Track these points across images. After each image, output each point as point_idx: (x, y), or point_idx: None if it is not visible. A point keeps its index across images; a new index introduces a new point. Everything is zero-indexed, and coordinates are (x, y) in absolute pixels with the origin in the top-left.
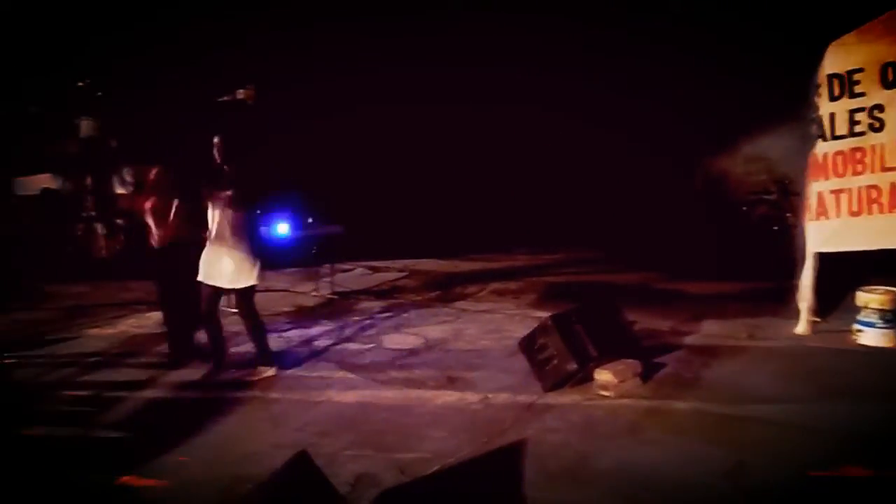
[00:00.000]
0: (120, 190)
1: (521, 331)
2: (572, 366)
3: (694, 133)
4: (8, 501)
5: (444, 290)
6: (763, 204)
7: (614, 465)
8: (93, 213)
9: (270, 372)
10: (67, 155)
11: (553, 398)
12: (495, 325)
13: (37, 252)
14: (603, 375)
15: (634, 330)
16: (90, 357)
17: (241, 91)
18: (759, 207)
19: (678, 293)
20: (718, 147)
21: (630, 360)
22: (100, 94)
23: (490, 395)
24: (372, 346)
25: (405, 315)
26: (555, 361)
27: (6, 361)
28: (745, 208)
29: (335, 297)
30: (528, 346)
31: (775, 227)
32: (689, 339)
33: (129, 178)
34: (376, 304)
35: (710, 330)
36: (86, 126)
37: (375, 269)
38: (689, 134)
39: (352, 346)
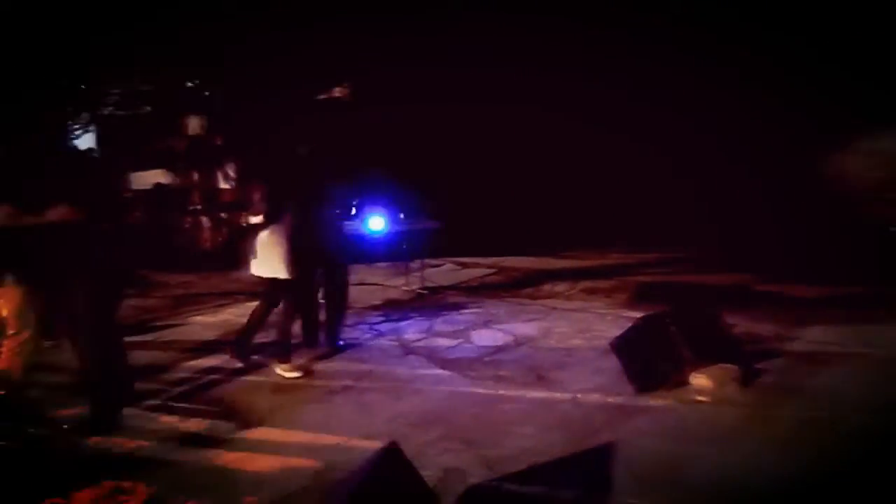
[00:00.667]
0: (223, 185)
1: (613, 331)
2: (666, 368)
3: (803, 127)
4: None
5: (534, 288)
6: (880, 202)
7: (708, 472)
8: (199, 207)
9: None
10: (176, 151)
11: (646, 401)
12: (586, 324)
13: (148, 242)
14: (699, 379)
15: (733, 333)
16: (195, 343)
17: (338, 89)
18: (874, 206)
19: (782, 296)
20: (829, 142)
21: (728, 365)
22: (207, 93)
23: (580, 395)
24: (460, 341)
25: (494, 311)
26: (648, 363)
27: None
28: (858, 207)
29: (425, 291)
30: (621, 346)
31: (893, 228)
32: (793, 345)
33: (231, 174)
34: (465, 300)
35: (816, 336)
36: (193, 124)
37: (464, 265)
38: (797, 128)
39: (441, 340)
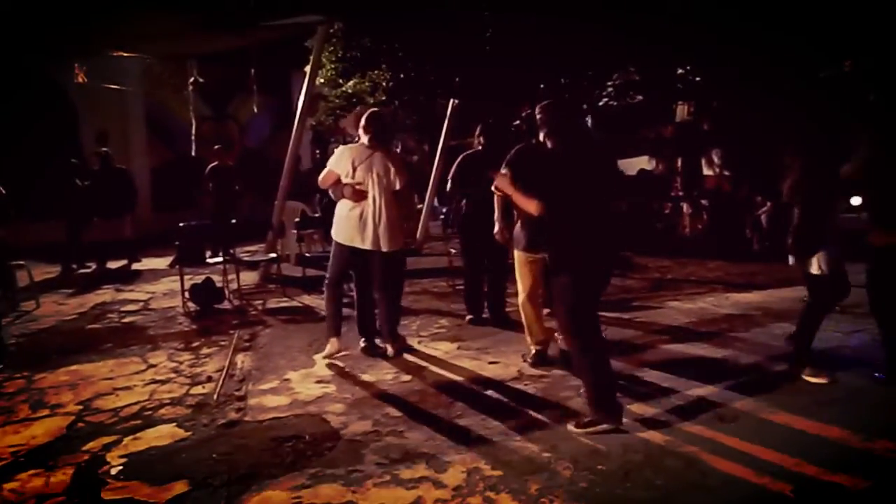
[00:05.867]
0: (707, 171)
1: None
2: None
3: None
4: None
5: None
6: None
7: None
8: (680, 193)
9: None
10: (662, 138)
11: None
12: None
13: (631, 226)
14: None
15: None
16: (670, 327)
17: (848, 63)
18: None
19: None
20: None
21: None
22: (698, 78)
23: None
24: None
25: None
26: None
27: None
28: None
29: None
30: None
31: None
32: None
33: (716, 160)
34: None
35: None
36: (681, 110)
37: None
38: None
39: None
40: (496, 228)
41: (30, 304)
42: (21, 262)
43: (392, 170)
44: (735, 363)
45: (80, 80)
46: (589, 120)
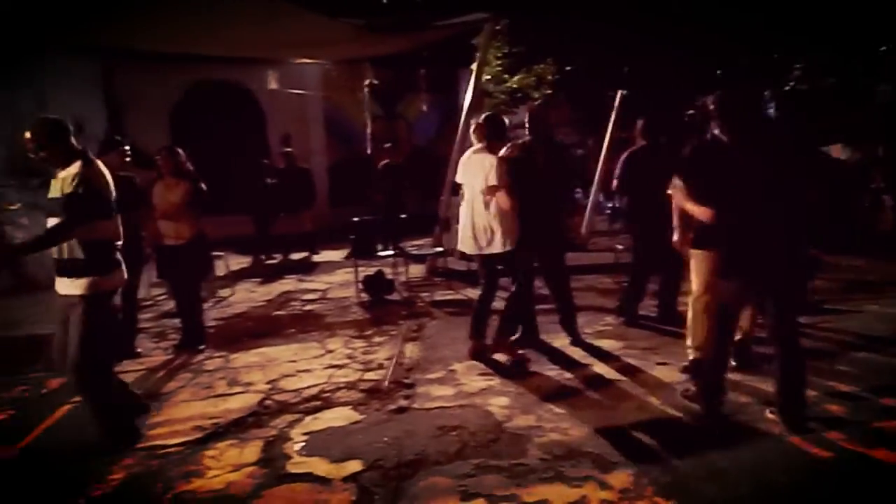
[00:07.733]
0: None
1: None
2: None
3: None
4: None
5: None
6: None
7: None
8: (881, 185)
9: None
10: (860, 124)
11: None
12: None
13: (820, 221)
14: None
15: None
16: (865, 335)
17: None
18: None
19: None
20: None
21: None
22: None
23: None
24: None
25: None
26: None
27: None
28: None
29: None
30: None
31: None
32: None
33: None
34: None
35: None
36: (884, 93)
37: None
38: None
39: None
40: (675, 236)
41: (226, 291)
42: (220, 253)
43: (483, 173)
44: None
45: (274, 85)
46: (772, 107)
